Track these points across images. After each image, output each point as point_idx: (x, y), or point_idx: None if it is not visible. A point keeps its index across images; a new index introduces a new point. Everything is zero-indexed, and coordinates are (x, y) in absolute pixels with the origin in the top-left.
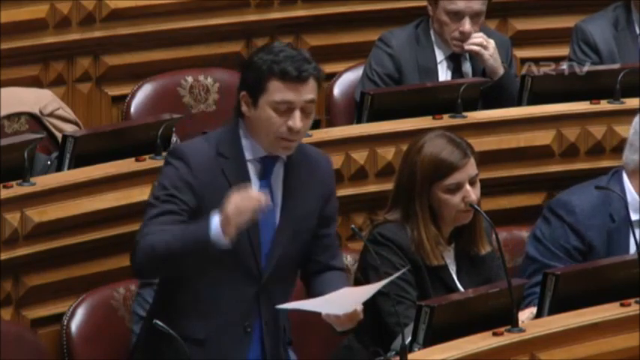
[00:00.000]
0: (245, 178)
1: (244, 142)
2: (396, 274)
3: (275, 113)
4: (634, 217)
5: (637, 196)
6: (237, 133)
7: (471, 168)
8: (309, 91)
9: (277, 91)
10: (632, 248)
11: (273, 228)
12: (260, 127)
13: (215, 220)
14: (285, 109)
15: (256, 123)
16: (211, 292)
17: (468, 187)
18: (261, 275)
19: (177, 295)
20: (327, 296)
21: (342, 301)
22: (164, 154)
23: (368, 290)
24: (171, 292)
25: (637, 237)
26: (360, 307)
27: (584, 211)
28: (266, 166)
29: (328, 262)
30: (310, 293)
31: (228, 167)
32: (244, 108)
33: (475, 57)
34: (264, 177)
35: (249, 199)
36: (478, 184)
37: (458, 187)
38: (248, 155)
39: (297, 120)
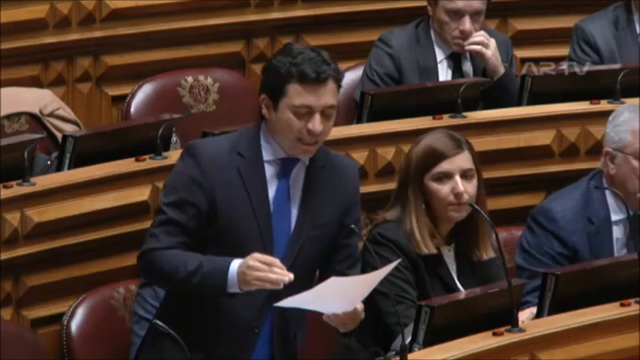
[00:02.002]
0: (260, 178)
1: (264, 144)
2: (392, 265)
3: (295, 117)
4: (613, 217)
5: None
6: (257, 134)
7: (463, 160)
8: (328, 95)
9: (297, 95)
10: (616, 248)
11: (289, 232)
12: (281, 130)
13: (232, 273)
14: (305, 113)
15: (277, 126)
16: None
17: (457, 178)
18: None
19: (189, 296)
20: (316, 289)
21: (337, 297)
22: (164, 154)
23: (359, 281)
24: (184, 293)
25: (614, 236)
26: (360, 306)
27: (566, 217)
28: (285, 168)
29: (344, 270)
30: None
31: (244, 166)
32: (264, 111)
33: (475, 56)
34: (282, 178)
35: (275, 272)
36: (474, 182)
37: (447, 177)
38: (267, 156)
39: (317, 123)
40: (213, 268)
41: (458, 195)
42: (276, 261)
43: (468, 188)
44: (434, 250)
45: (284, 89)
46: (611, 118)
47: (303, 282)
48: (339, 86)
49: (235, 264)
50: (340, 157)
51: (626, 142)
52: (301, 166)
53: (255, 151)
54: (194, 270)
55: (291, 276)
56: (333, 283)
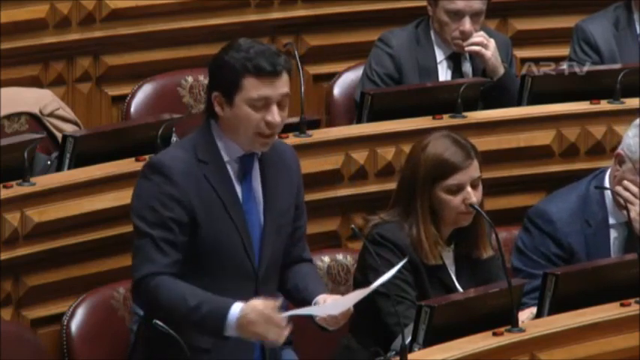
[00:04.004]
0: (227, 181)
1: (220, 144)
2: (394, 270)
3: (252, 110)
4: (611, 220)
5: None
6: (211, 136)
7: (474, 170)
8: (283, 85)
9: (253, 88)
10: (613, 251)
11: (260, 227)
12: (237, 126)
13: (232, 320)
14: (262, 105)
15: (233, 122)
16: None
17: (469, 189)
18: (257, 274)
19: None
20: (333, 301)
21: (337, 305)
22: None
23: (360, 293)
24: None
25: (611, 239)
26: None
27: (562, 219)
28: (245, 166)
29: (300, 254)
30: (283, 285)
31: (209, 172)
32: (218, 109)
33: (475, 57)
34: (245, 177)
35: (275, 328)
36: (480, 187)
37: (459, 189)
38: (226, 157)
39: (275, 115)
40: (213, 310)
41: (469, 205)
42: (275, 315)
43: (477, 195)
44: (440, 262)
45: (240, 84)
46: (637, 122)
47: (275, 271)
48: (290, 76)
49: (236, 309)
50: (278, 142)
51: None
52: (257, 160)
53: (215, 154)
54: (193, 308)
55: (287, 332)
56: (339, 298)
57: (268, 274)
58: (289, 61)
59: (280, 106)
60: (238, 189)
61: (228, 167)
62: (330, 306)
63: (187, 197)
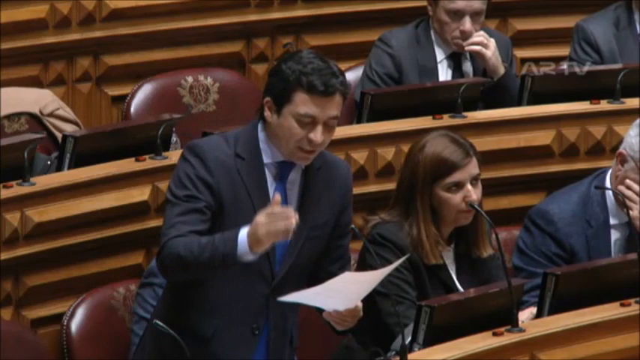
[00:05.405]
0: (260, 181)
1: (262, 146)
2: (399, 261)
3: (297, 124)
4: (612, 221)
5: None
6: (256, 136)
7: (473, 168)
8: (333, 107)
9: (302, 104)
10: (614, 251)
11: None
12: (281, 135)
13: (242, 237)
14: (308, 122)
15: (278, 130)
16: (223, 290)
17: (469, 186)
18: (274, 278)
19: (189, 293)
20: (327, 284)
21: (344, 292)
22: (164, 154)
23: (369, 278)
24: (183, 290)
25: (612, 240)
26: (360, 304)
27: (564, 220)
28: (282, 171)
29: (336, 271)
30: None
31: (244, 168)
32: (267, 113)
33: (476, 56)
34: (280, 181)
35: (281, 219)
36: (480, 185)
37: (459, 187)
38: (266, 159)
39: (318, 134)
40: (224, 237)
41: (469, 202)
42: (284, 209)
43: (477, 193)
44: (440, 261)
45: (290, 96)
46: (639, 122)
47: (299, 282)
48: (344, 98)
49: (245, 228)
50: (333, 157)
51: None
52: (298, 169)
53: (255, 153)
54: (206, 243)
55: (296, 217)
56: (338, 280)
57: (286, 283)
58: (345, 83)
59: (327, 126)
60: (271, 191)
61: (265, 169)
62: (334, 293)
63: (218, 185)
